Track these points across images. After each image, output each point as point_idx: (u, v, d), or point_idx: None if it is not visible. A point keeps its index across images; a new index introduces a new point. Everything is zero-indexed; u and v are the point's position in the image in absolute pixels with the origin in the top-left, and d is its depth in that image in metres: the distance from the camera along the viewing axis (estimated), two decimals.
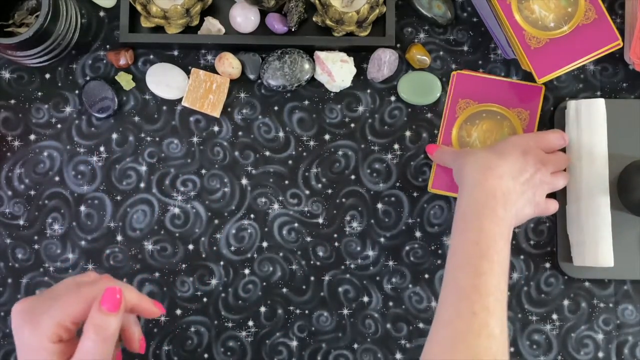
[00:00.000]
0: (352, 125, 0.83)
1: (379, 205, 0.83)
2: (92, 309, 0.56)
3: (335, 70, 0.81)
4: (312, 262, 0.82)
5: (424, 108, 0.84)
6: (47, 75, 0.83)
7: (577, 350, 0.81)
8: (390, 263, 0.82)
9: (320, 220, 0.82)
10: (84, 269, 0.81)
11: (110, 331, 0.56)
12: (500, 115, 0.81)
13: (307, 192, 0.83)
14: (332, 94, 0.84)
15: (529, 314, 0.82)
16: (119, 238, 0.82)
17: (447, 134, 0.82)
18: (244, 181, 0.82)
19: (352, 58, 0.83)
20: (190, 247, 0.82)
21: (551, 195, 0.79)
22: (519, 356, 0.81)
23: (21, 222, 0.82)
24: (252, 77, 0.83)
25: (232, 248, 0.82)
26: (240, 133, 0.83)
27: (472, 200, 0.69)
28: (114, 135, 0.83)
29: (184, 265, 0.81)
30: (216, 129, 0.83)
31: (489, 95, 0.82)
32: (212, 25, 0.82)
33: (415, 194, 0.83)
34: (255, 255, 0.82)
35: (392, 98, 0.84)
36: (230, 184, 0.82)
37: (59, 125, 0.83)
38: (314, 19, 0.81)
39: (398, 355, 0.81)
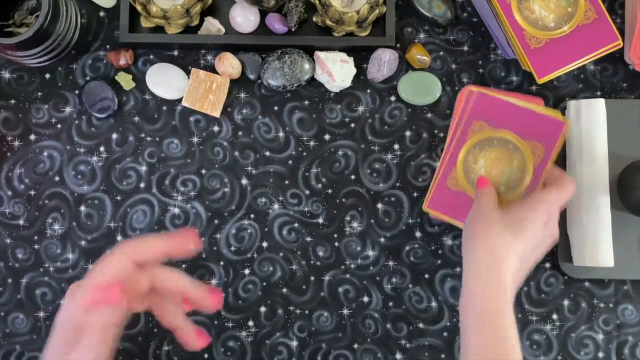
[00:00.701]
0: (352, 125, 0.83)
1: (379, 205, 0.83)
2: None
3: (335, 70, 0.81)
4: (312, 262, 0.82)
5: (424, 108, 0.84)
6: (47, 75, 0.83)
7: (577, 350, 0.81)
8: (390, 263, 0.82)
9: (320, 220, 0.82)
10: (84, 269, 0.81)
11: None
12: (513, 145, 0.74)
13: (307, 192, 0.83)
14: (332, 94, 0.84)
15: (529, 314, 0.82)
16: (119, 238, 0.82)
17: (454, 155, 0.76)
18: (244, 181, 0.82)
19: (352, 58, 0.83)
20: (190, 247, 0.82)
21: None
22: None
23: (21, 222, 0.82)
24: (252, 77, 0.83)
25: (232, 248, 0.82)
26: (240, 133, 0.83)
27: (486, 293, 0.65)
28: (114, 135, 0.83)
29: (184, 265, 0.81)
30: (216, 129, 0.83)
31: (506, 121, 0.74)
32: (212, 25, 0.82)
33: (415, 194, 0.83)
34: (255, 255, 0.82)
35: (392, 98, 0.84)
36: (230, 184, 0.82)
37: (59, 125, 0.83)
38: (314, 19, 0.82)
39: (398, 355, 0.81)
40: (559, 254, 0.81)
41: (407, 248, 0.82)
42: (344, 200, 0.82)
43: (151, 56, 0.83)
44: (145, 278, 0.60)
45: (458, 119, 0.76)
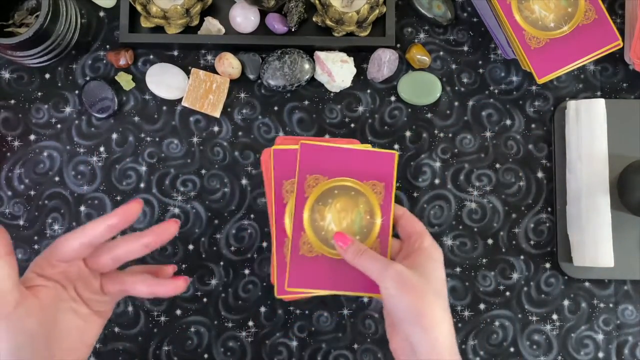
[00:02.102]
0: (352, 125, 0.83)
1: None
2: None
3: (335, 70, 0.81)
4: None
5: (424, 108, 0.84)
6: (47, 75, 0.83)
7: (577, 350, 0.81)
8: None
9: None
10: None
11: None
12: (355, 190, 0.70)
13: None
14: (332, 94, 0.84)
15: (529, 314, 0.82)
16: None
17: (298, 219, 0.69)
18: (244, 181, 0.82)
19: (352, 58, 0.83)
20: (190, 247, 0.82)
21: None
22: (519, 356, 0.81)
23: (21, 222, 0.82)
24: (252, 77, 0.83)
25: (232, 248, 0.82)
26: (240, 133, 0.83)
27: None
28: (114, 136, 0.83)
29: (184, 266, 0.81)
30: (216, 129, 0.83)
31: (340, 168, 0.70)
32: (212, 25, 0.82)
33: (415, 194, 0.83)
34: (255, 255, 0.82)
35: (392, 98, 0.84)
36: (230, 184, 0.82)
37: (59, 126, 0.83)
38: (314, 19, 0.82)
39: None
40: (559, 254, 0.81)
41: None
42: None
43: (151, 56, 0.83)
44: (95, 279, 0.61)
45: (299, 177, 0.69)
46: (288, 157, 0.70)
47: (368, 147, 0.71)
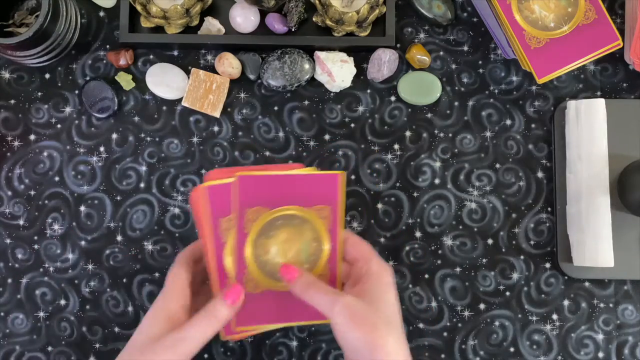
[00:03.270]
0: (352, 125, 0.83)
1: (379, 205, 0.82)
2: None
3: (335, 70, 0.81)
4: None
5: (424, 108, 0.84)
6: (47, 75, 0.83)
7: (577, 350, 0.81)
8: (390, 263, 0.82)
9: None
10: (84, 269, 0.81)
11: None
12: (299, 218, 0.66)
13: None
14: (332, 94, 0.84)
15: (529, 314, 0.82)
16: (119, 238, 0.82)
17: (240, 257, 0.65)
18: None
19: (352, 58, 0.83)
20: None
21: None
22: (519, 356, 0.81)
23: (21, 222, 0.82)
24: (252, 77, 0.83)
25: None
26: (240, 133, 0.83)
27: None
28: (114, 135, 0.83)
29: None
30: (216, 129, 0.83)
31: (281, 196, 0.65)
32: (212, 25, 0.82)
33: (415, 194, 0.83)
34: None
35: (392, 98, 0.84)
36: None
37: (58, 125, 0.83)
38: (314, 19, 0.82)
39: None
40: (559, 254, 0.81)
41: (407, 248, 0.82)
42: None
43: (151, 56, 0.83)
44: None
45: (238, 212, 0.65)
46: (223, 193, 0.64)
47: (311, 170, 0.67)
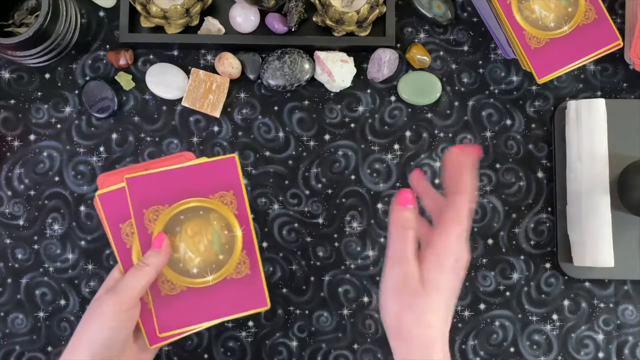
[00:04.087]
0: (352, 125, 0.83)
1: (379, 205, 0.82)
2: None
3: (335, 70, 0.81)
4: (312, 262, 0.82)
5: (424, 108, 0.84)
6: (47, 75, 0.83)
7: (577, 350, 0.81)
8: None
9: (320, 220, 0.82)
10: (84, 269, 0.81)
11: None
12: (203, 209, 0.65)
13: (307, 192, 0.82)
14: (332, 94, 0.84)
15: (529, 314, 0.82)
16: None
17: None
18: (244, 181, 0.82)
19: (352, 58, 0.83)
20: None
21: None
22: (519, 356, 0.81)
23: (21, 222, 0.82)
24: (252, 77, 0.83)
25: None
26: (240, 133, 0.83)
27: None
28: (114, 135, 0.83)
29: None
30: (216, 129, 0.83)
31: (178, 190, 0.64)
32: (212, 25, 0.82)
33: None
34: None
35: (392, 98, 0.84)
36: None
37: (58, 125, 0.83)
38: (314, 19, 0.81)
39: None
40: (559, 254, 0.81)
41: None
42: (344, 200, 0.82)
43: (151, 56, 0.83)
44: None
45: (135, 215, 0.64)
46: (117, 197, 0.64)
47: (203, 160, 0.66)
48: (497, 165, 0.83)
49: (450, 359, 0.60)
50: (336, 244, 0.82)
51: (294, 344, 0.81)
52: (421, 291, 0.59)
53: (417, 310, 0.59)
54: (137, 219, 0.64)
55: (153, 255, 0.65)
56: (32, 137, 0.82)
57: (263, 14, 0.82)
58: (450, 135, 0.83)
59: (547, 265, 0.82)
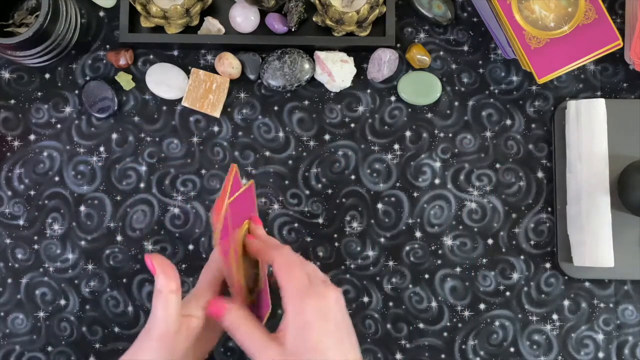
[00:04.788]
0: (352, 125, 0.83)
1: (379, 205, 0.82)
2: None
3: (335, 70, 0.81)
4: (312, 262, 0.82)
5: (424, 108, 0.84)
6: (47, 75, 0.83)
7: (577, 350, 0.81)
8: (390, 263, 0.82)
9: (320, 220, 0.82)
10: (84, 269, 0.81)
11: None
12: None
13: (307, 192, 0.82)
14: (332, 94, 0.84)
15: (529, 314, 0.82)
16: (119, 238, 0.82)
17: (239, 285, 0.65)
18: (244, 181, 0.82)
19: (352, 58, 0.83)
20: (191, 247, 0.82)
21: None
22: (519, 356, 0.81)
23: (21, 222, 0.82)
24: (252, 77, 0.83)
25: None
26: (240, 133, 0.83)
27: None
28: (114, 135, 0.83)
29: (184, 266, 0.81)
30: (216, 129, 0.83)
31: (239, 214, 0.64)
32: (212, 25, 0.82)
33: (415, 194, 0.83)
34: None
35: (392, 98, 0.84)
36: None
37: (58, 125, 0.83)
38: (314, 19, 0.81)
39: (398, 356, 0.81)
40: (559, 254, 0.81)
41: (407, 248, 0.82)
42: (344, 200, 0.82)
43: (151, 56, 0.83)
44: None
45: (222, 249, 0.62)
46: (238, 206, 0.63)
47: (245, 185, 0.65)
48: (497, 165, 0.83)
49: None
50: (336, 244, 0.82)
51: None
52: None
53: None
54: (234, 244, 0.64)
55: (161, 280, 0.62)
56: (32, 137, 0.82)
57: (263, 14, 0.82)
58: (450, 135, 0.83)
59: (547, 265, 0.82)
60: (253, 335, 0.62)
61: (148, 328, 0.62)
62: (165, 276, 0.61)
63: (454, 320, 0.81)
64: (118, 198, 0.82)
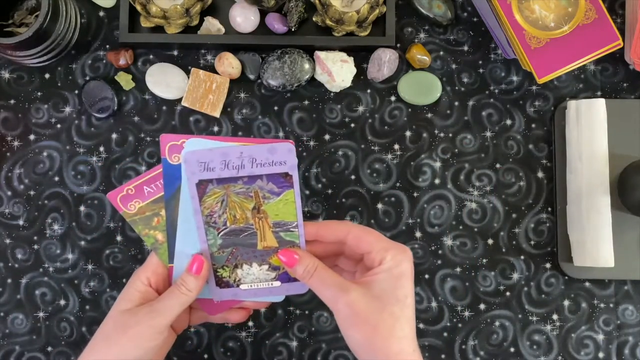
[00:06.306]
0: (352, 125, 0.83)
1: (379, 205, 0.82)
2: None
3: (335, 70, 0.81)
4: None
5: (424, 108, 0.84)
6: (47, 75, 0.83)
7: (577, 350, 0.81)
8: None
9: (321, 220, 0.82)
10: (84, 269, 0.81)
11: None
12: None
13: (307, 192, 0.82)
14: (332, 94, 0.84)
15: (529, 314, 0.82)
16: (119, 238, 0.82)
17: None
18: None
19: (352, 58, 0.83)
20: None
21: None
22: (519, 356, 0.81)
23: (21, 222, 0.82)
24: (252, 77, 0.83)
25: None
26: (240, 133, 0.83)
27: None
28: (114, 135, 0.83)
29: None
30: (216, 129, 0.83)
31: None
32: (212, 25, 0.82)
33: (415, 194, 0.83)
34: None
35: (392, 98, 0.84)
36: None
37: (58, 125, 0.83)
38: (314, 19, 0.81)
39: None
40: (559, 254, 0.81)
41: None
42: (344, 200, 0.82)
43: (151, 56, 0.83)
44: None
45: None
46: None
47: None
48: (497, 165, 0.83)
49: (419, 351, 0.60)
50: None
51: (294, 344, 0.81)
52: (380, 307, 0.59)
53: (384, 328, 0.58)
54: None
55: (194, 281, 0.65)
56: (32, 137, 0.82)
57: (263, 14, 0.82)
58: (450, 135, 0.83)
59: (547, 265, 0.82)
60: (330, 280, 0.61)
61: (147, 314, 0.64)
62: (202, 280, 0.66)
63: (454, 320, 0.81)
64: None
